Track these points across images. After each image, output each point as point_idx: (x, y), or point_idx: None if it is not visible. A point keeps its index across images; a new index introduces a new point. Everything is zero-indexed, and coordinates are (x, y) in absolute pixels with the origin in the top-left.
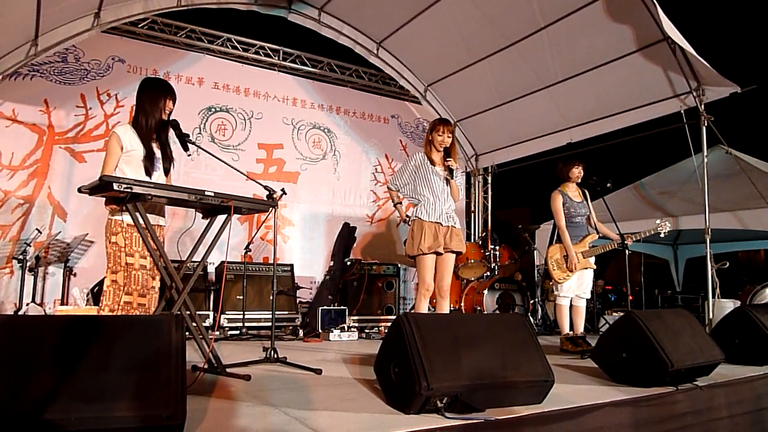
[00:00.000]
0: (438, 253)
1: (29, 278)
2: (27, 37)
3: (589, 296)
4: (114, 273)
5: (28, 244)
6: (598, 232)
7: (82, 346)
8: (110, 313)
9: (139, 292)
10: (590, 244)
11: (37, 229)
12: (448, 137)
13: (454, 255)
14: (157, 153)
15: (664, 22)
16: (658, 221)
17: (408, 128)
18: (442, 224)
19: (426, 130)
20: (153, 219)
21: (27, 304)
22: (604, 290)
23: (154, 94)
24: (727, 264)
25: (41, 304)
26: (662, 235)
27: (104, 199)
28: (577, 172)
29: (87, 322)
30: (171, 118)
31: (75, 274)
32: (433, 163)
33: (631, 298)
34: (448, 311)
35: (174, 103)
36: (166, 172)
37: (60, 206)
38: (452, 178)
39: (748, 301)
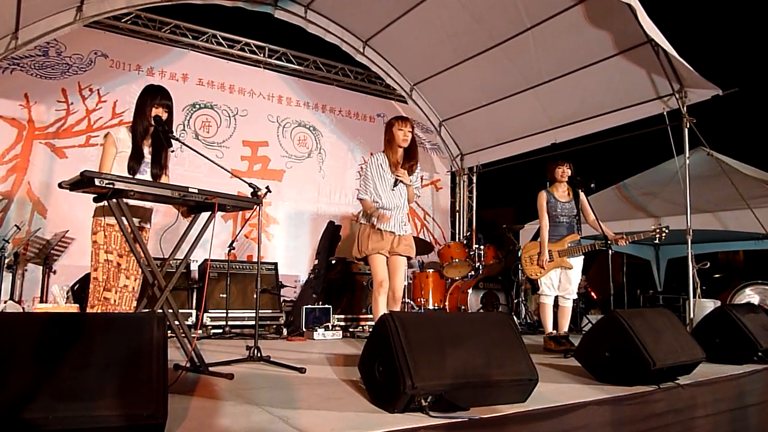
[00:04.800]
0: (384, 255)
1: (7, 275)
2: (7, 29)
3: (575, 296)
4: (95, 270)
5: (7, 241)
6: (578, 231)
7: (61, 344)
8: (91, 310)
9: (116, 289)
10: (569, 243)
11: (16, 225)
12: (409, 132)
13: (404, 258)
14: (147, 157)
15: (648, 25)
16: (653, 226)
17: None
18: (394, 233)
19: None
20: (135, 221)
21: (5, 302)
22: (586, 289)
23: (142, 100)
24: (708, 264)
25: (20, 302)
26: (657, 241)
27: (89, 197)
28: (561, 172)
29: (67, 320)
30: (154, 115)
31: (55, 272)
32: (392, 166)
33: (596, 297)
34: None
35: (166, 108)
36: (155, 177)
37: (40, 202)
38: (408, 184)
39: (728, 300)
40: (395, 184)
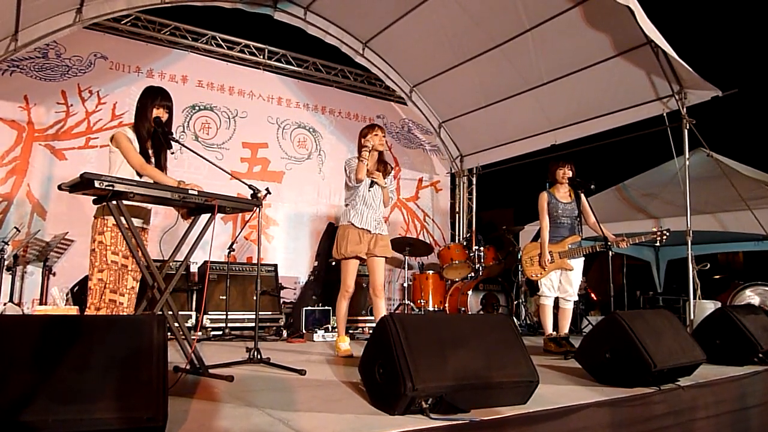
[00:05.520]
0: (361, 258)
1: (7, 277)
2: (7, 31)
3: (576, 298)
4: (100, 271)
5: (6, 243)
6: (579, 232)
7: (61, 346)
8: (96, 312)
9: (120, 291)
10: (570, 245)
11: (15, 227)
12: (383, 137)
13: (382, 259)
14: (151, 159)
15: (647, 26)
16: (654, 228)
17: (393, 129)
18: (370, 231)
19: (410, 130)
20: (136, 223)
21: (4, 304)
22: (586, 291)
23: (143, 102)
24: (708, 265)
25: (19, 304)
26: (657, 243)
27: (89, 198)
28: (561, 173)
29: (66, 322)
30: (154, 116)
31: (54, 274)
32: (367, 169)
33: (596, 299)
34: (384, 311)
35: (166, 109)
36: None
37: (39, 204)
38: (383, 186)
39: (728, 302)
40: (371, 185)
